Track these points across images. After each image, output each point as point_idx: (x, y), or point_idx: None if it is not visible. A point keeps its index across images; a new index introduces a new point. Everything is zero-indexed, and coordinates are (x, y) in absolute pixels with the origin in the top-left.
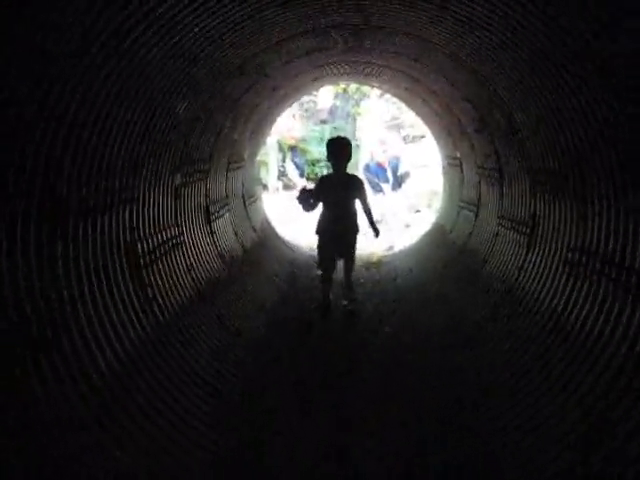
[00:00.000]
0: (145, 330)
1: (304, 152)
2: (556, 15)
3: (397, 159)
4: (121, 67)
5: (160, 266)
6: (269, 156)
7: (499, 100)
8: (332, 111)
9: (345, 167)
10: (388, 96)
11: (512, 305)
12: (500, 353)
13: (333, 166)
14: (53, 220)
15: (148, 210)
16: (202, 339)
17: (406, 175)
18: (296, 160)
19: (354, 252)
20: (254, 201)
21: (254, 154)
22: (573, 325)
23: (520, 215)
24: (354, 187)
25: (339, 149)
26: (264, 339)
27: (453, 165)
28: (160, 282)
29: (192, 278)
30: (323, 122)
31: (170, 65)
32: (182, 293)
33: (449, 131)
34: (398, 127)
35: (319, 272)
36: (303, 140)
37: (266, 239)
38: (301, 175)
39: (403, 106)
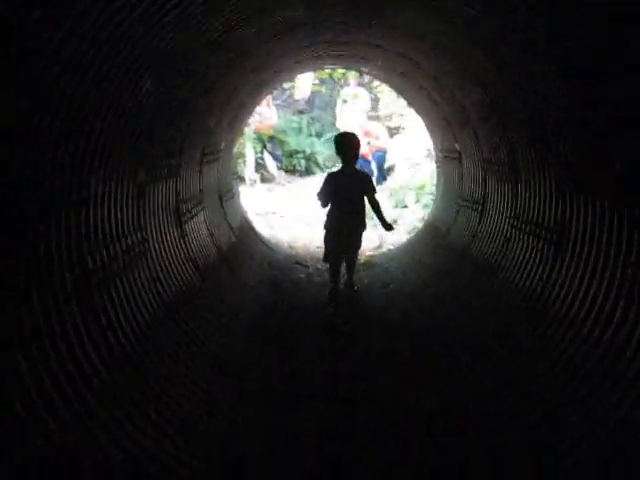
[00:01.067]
0: (95, 368)
1: (282, 143)
2: None
3: (383, 152)
4: (65, 34)
5: (118, 283)
6: (246, 147)
7: (520, 84)
8: (310, 101)
9: (354, 163)
10: (371, 84)
11: (539, 324)
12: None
13: (343, 162)
14: None
15: (103, 214)
16: (168, 368)
17: (391, 169)
18: (275, 152)
19: (357, 251)
20: (232, 197)
21: (231, 145)
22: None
23: (543, 218)
24: (363, 183)
25: (348, 145)
26: (244, 363)
27: (450, 158)
28: (117, 302)
29: (158, 292)
30: (300, 112)
31: (125, 33)
32: (145, 311)
33: (448, 120)
34: (378, 118)
35: (327, 265)
36: (281, 131)
37: (245, 238)
38: (279, 167)
39: (382, 96)
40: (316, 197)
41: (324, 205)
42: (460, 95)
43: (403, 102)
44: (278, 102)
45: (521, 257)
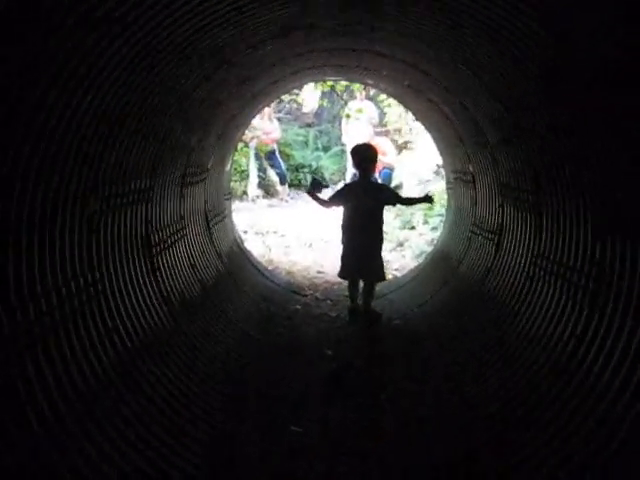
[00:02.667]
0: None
1: (287, 157)
2: None
3: (390, 168)
4: None
5: (51, 344)
6: (249, 162)
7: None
8: (318, 114)
9: (372, 175)
10: (378, 97)
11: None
12: None
13: (360, 174)
14: None
15: (40, 256)
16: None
17: (399, 187)
18: (277, 167)
19: (378, 273)
20: (222, 219)
21: (222, 162)
22: None
23: (575, 259)
24: (380, 192)
25: (366, 156)
26: (223, 434)
27: (463, 181)
28: (47, 370)
29: (113, 344)
30: (308, 125)
31: (63, 33)
32: (91, 374)
33: (461, 139)
34: (386, 133)
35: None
36: (286, 144)
37: (235, 266)
38: (282, 182)
39: (390, 109)
40: (311, 196)
41: (327, 203)
42: (475, 111)
43: (412, 116)
44: (282, 115)
45: (546, 304)
